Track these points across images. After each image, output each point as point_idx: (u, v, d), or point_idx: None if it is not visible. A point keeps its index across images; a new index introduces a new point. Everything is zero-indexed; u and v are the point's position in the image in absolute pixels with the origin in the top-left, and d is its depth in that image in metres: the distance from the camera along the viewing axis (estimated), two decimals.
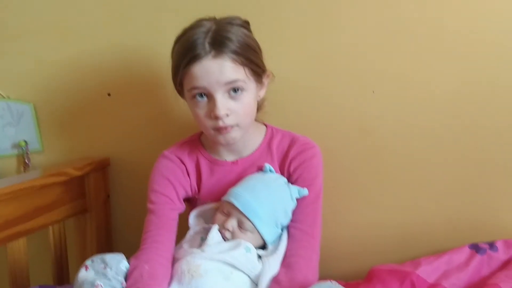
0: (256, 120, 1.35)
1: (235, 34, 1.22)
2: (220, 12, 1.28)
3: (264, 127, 1.38)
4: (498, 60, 1.37)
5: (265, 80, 1.31)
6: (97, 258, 1.19)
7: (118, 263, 1.20)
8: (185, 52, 1.21)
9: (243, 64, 1.22)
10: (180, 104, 1.34)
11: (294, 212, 1.28)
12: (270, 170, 1.30)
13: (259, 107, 1.36)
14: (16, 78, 1.65)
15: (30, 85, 1.64)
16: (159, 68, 1.44)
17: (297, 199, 1.28)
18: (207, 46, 1.19)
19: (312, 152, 1.32)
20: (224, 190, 1.29)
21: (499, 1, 1.36)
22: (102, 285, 1.13)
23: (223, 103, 1.21)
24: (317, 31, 1.46)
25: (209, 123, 1.24)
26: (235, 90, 1.22)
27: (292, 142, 1.33)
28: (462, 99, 1.40)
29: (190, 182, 1.34)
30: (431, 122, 1.42)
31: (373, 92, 1.44)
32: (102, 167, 1.59)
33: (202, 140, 1.37)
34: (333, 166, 1.43)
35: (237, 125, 1.24)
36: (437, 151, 1.43)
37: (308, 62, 1.47)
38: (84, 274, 1.16)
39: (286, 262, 1.22)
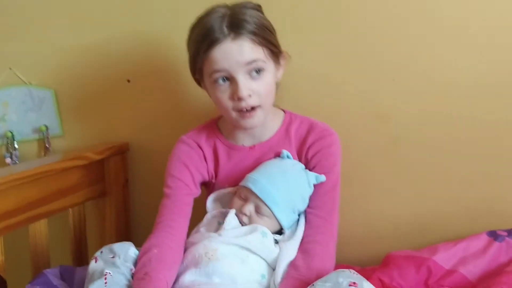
0: (274, 105, 1.36)
1: (251, 16, 1.23)
2: None
3: (282, 112, 1.38)
4: None
5: (282, 61, 1.31)
6: (105, 249, 1.21)
7: (126, 251, 1.21)
8: (204, 38, 1.22)
9: (261, 44, 1.23)
10: (199, 92, 1.36)
11: (312, 199, 1.28)
12: (288, 156, 1.30)
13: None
14: (38, 65, 1.67)
15: (51, 71, 1.67)
16: (179, 56, 1.44)
17: (315, 186, 1.28)
18: (225, 29, 1.20)
19: (331, 139, 1.32)
20: (241, 175, 1.29)
21: None
22: (110, 272, 1.14)
23: (245, 84, 1.22)
24: (336, 16, 1.46)
25: (232, 106, 1.24)
26: (256, 71, 1.23)
27: (311, 128, 1.33)
28: (481, 89, 1.40)
29: (207, 167, 1.35)
30: (449, 111, 1.42)
31: (393, 79, 1.44)
32: (121, 152, 1.60)
33: (219, 125, 1.38)
34: (350, 154, 1.42)
35: (260, 107, 1.25)
36: (454, 140, 1.43)
37: (326, 48, 1.47)
38: (94, 265, 1.18)
39: (303, 248, 1.22)
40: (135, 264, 1.20)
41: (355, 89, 1.46)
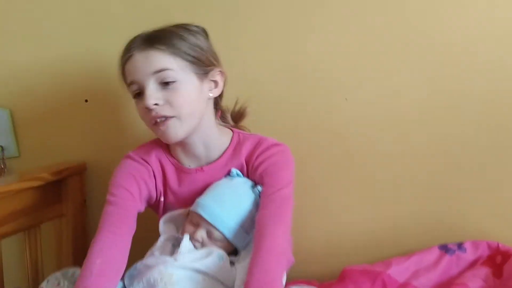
0: (223, 125, 1.37)
1: (171, 31, 1.26)
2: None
3: (231, 132, 1.37)
4: (467, 70, 1.42)
5: (217, 78, 1.30)
6: (51, 277, 1.21)
7: (72, 275, 1.21)
8: (123, 53, 1.27)
9: (173, 54, 1.23)
10: None
11: (260, 203, 1.25)
12: (237, 174, 1.30)
13: (240, 114, 1.40)
14: None
15: (7, 91, 1.64)
16: None
17: (261, 193, 1.27)
18: (138, 42, 1.25)
19: (278, 148, 1.32)
20: (192, 197, 1.29)
21: (472, 10, 1.41)
22: None
23: (152, 93, 1.22)
24: (288, 38, 1.49)
25: (145, 118, 1.26)
26: (166, 81, 1.22)
27: (259, 142, 1.33)
28: (431, 105, 1.45)
29: (156, 183, 1.33)
30: (402, 128, 1.47)
31: (346, 99, 1.48)
32: (78, 172, 1.59)
33: (167, 145, 1.36)
34: (306, 171, 1.45)
35: (175, 117, 1.23)
36: (406, 155, 1.47)
37: (280, 69, 1.50)
38: None
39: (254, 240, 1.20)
40: None
41: (311, 108, 1.50)
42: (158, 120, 1.23)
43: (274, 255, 1.15)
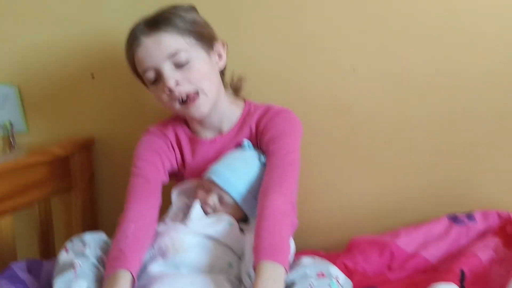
0: (236, 96, 1.39)
1: (168, 12, 1.28)
2: None
3: (243, 103, 1.39)
4: (473, 41, 1.41)
5: (220, 50, 1.33)
6: (76, 239, 1.21)
7: (97, 240, 1.22)
8: (128, 42, 1.29)
9: (181, 34, 1.26)
10: None
11: (266, 168, 1.27)
12: (249, 146, 1.32)
13: (237, 87, 1.40)
14: (0, 62, 1.65)
15: (15, 68, 1.65)
16: None
17: (267, 158, 1.28)
18: (143, 28, 1.26)
19: (285, 115, 1.34)
20: (204, 168, 1.31)
21: None
22: (80, 263, 1.15)
23: (170, 74, 1.24)
24: (295, 10, 1.47)
25: (170, 101, 1.27)
26: (182, 62, 1.25)
27: (267, 110, 1.35)
28: (440, 77, 1.43)
29: (176, 156, 1.37)
30: (409, 99, 1.45)
31: (354, 70, 1.47)
32: (86, 147, 1.60)
33: (185, 118, 1.39)
34: (312, 144, 1.45)
35: (201, 91, 1.26)
36: (414, 126, 1.46)
37: (286, 42, 1.49)
38: (64, 256, 1.18)
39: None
40: (105, 252, 1.20)
41: (316, 81, 1.49)
42: (183, 99, 1.25)
43: (278, 217, 1.16)
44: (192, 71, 1.25)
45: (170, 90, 1.24)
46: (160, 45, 1.24)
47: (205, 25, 1.32)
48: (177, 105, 1.27)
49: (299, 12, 1.48)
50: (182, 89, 1.25)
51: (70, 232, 1.53)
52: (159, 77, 1.26)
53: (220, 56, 1.33)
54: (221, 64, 1.33)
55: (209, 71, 1.29)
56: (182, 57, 1.24)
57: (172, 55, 1.24)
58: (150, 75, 1.26)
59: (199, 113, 1.28)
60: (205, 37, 1.29)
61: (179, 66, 1.24)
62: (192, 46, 1.26)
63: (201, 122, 1.34)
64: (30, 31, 1.63)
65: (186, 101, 1.26)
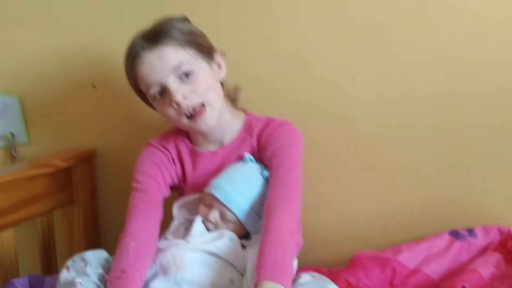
0: (234, 107, 1.39)
1: (165, 25, 1.26)
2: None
3: (244, 115, 1.39)
4: (476, 52, 1.41)
5: (220, 60, 1.33)
6: (77, 258, 1.21)
7: (98, 258, 1.22)
8: (129, 58, 1.27)
9: (182, 46, 1.25)
10: None
11: (269, 185, 1.26)
12: (250, 160, 1.31)
13: (233, 97, 1.39)
14: (2, 72, 1.65)
15: (16, 78, 1.65)
16: None
17: (271, 174, 1.27)
18: (143, 43, 1.24)
19: (286, 128, 1.33)
20: (205, 181, 1.30)
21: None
22: (81, 282, 1.14)
23: (177, 88, 1.23)
24: (294, 19, 1.47)
25: (178, 115, 1.26)
26: (186, 74, 1.24)
27: (268, 123, 1.34)
28: (441, 88, 1.43)
29: (176, 170, 1.36)
30: (411, 110, 1.45)
31: (352, 79, 1.46)
32: (88, 158, 1.60)
33: (186, 131, 1.38)
34: (315, 154, 1.45)
35: (207, 104, 1.25)
36: (416, 139, 1.46)
37: (285, 50, 1.49)
38: (66, 275, 1.18)
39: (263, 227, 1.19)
40: (107, 270, 1.20)
41: (317, 93, 1.49)
42: (191, 113, 1.24)
43: (284, 236, 1.15)
44: (197, 83, 1.24)
45: (178, 105, 1.23)
46: (163, 59, 1.23)
47: (202, 35, 1.31)
48: (184, 120, 1.26)
49: (297, 22, 1.48)
50: (189, 103, 1.24)
51: (72, 246, 1.53)
52: (164, 92, 1.25)
53: (220, 66, 1.33)
54: (222, 74, 1.33)
55: (212, 82, 1.28)
56: (186, 69, 1.23)
57: (176, 68, 1.23)
58: (155, 90, 1.25)
59: (206, 126, 1.27)
60: (204, 47, 1.29)
61: (183, 79, 1.24)
62: (194, 57, 1.25)
63: (205, 135, 1.34)
64: (31, 41, 1.62)
65: (193, 115, 1.25)
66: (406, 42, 1.43)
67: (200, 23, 1.33)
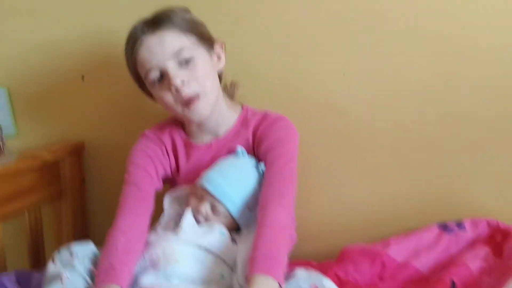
0: (232, 100, 1.38)
1: (168, 11, 1.27)
2: None
3: (240, 107, 1.39)
4: (467, 44, 1.41)
5: (219, 51, 1.34)
6: (64, 249, 1.21)
7: (85, 250, 1.21)
8: (129, 43, 1.27)
9: (184, 32, 1.25)
10: None
11: (264, 179, 1.26)
12: (243, 153, 1.31)
13: (230, 93, 1.40)
14: None
15: (4, 69, 1.63)
16: None
17: (266, 168, 1.28)
18: (144, 28, 1.25)
19: (282, 123, 1.33)
20: (198, 173, 1.30)
21: None
22: (68, 276, 1.14)
23: (176, 73, 1.24)
24: (288, 12, 1.47)
25: (173, 100, 1.25)
26: (186, 60, 1.24)
27: (264, 117, 1.35)
28: (431, 83, 1.43)
29: (170, 162, 1.36)
30: (401, 104, 1.45)
31: (344, 74, 1.46)
32: (76, 151, 1.59)
33: (182, 122, 1.38)
34: (306, 147, 1.43)
35: (202, 94, 1.25)
36: (407, 131, 1.46)
37: (278, 44, 1.48)
38: (52, 268, 1.18)
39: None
40: (95, 264, 1.19)
41: (310, 84, 1.48)
42: (187, 99, 1.24)
43: (278, 230, 1.15)
44: (196, 69, 1.24)
45: (177, 90, 1.23)
46: (163, 44, 1.23)
47: (203, 25, 1.31)
48: (179, 107, 1.26)
49: (289, 16, 1.47)
50: (188, 90, 1.23)
51: (61, 240, 1.52)
52: (163, 77, 1.25)
53: (219, 57, 1.33)
54: (221, 65, 1.34)
55: (210, 71, 1.28)
56: (186, 55, 1.24)
57: (176, 54, 1.23)
58: (154, 75, 1.25)
59: (200, 115, 1.27)
60: (205, 36, 1.29)
61: (183, 64, 1.24)
62: (194, 44, 1.26)
63: (199, 125, 1.33)
64: (20, 32, 1.60)
65: (188, 103, 1.24)
66: (399, 33, 1.43)
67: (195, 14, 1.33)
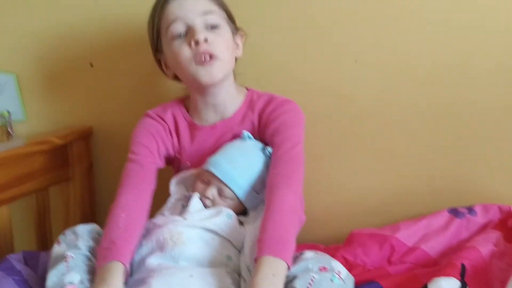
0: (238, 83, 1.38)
1: None
2: None
3: (246, 90, 1.39)
4: (476, 30, 1.40)
5: (239, 40, 1.35)
6: (68, 231, 1.21)
7: (89, 231, 1.21)
8: (159, 2, 1.28)
9: (216, 3, 1.29)
10: (163, 75, 1.38)
11: (271, 163, 1.26)
12: (249, 137, 1.31)
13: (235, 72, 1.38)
14: None
15: (13, 56, 1.63)
16: (142, 39, 1.43)
17: (273, 150, 1.27)
18: None
19: (289, 106, 1.33)
20: (203, 155, 1.30)
21: None
22: (72, 255, 1.14)
23: (202, 30, 1.25)
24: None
25: (190, 55, 1.25)
26: (212, 26, 1.26)
27: (270, 100, 1.34)
28: (444, 66, 1.42)
29: (172, 141, 1.36)
30: (411, 92, 1.44)
31: (356, 61, 1.45)
32: (84, 136, 1.59)
33: (185, 103, 1.38)
34: (314, 134, 1.44)
35: (218, 58, 1.25)
36: (416, 118, 1.45)
37: (290, 29, 1.48)
38: (57, 249, 1.17)
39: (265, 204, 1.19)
40: (98, 242, 1.19)
41: (319, 70, 1.48)
42: (204, 56, 1.24)
43: (286, 212, 1.15)
44: (220, 36, 1.26)
45: (197, 43, 1.23)
46: (196, 2, 1.26)
47: (231, 12, 1.34)
48: (193, 66, 1.25)
49: (301, 3, 1.46)
50: (208, 47, 1.24)
51: (68, 222, 1.52)
52: (186, 34, 1.25)
53: (237, 45, 1.34)
54: (238, 52, 1.34)
55: (231, 47, 1.30)
56: (214, 20, 1.26)
57: (206, 14, 1.25)
58: (179, 28, 1.25)
59: (211, 76, 1.26)
60: (232, 19, 1.33)
61: (209, 28, 1.25)
62: (223, 18, 1.29)
63: (206, 101, 1.33)
64: (28, 18, 1.60)
65: (204, 61, 1.24)
66: (409, 19, 1.42)
67: None
